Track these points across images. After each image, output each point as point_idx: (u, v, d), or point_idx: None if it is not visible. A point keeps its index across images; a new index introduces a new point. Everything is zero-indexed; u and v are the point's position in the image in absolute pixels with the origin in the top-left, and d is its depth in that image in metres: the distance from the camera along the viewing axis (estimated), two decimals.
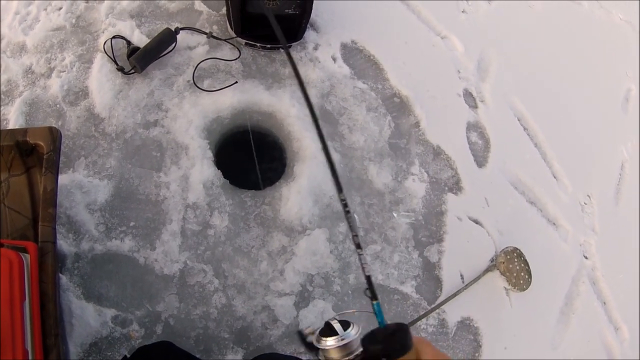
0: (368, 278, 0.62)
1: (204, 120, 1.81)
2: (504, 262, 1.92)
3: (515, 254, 1.93)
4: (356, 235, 0.69)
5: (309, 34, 2.10)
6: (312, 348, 0.62)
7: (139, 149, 1.75)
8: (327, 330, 0.58)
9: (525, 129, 2.28)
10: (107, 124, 1.77)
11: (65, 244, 1.60)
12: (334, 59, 2.10)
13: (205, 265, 1.65)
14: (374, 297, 0.59)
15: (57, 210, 1.61)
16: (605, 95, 2.51)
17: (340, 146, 1.93)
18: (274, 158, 1.87)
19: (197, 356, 1.35)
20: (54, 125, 1.56)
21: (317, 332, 0.62)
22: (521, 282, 1.90)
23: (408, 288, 1.80)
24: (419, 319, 1.75)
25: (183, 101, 1.83)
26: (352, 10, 2.22)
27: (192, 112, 1.81)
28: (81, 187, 1.66)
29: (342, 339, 0.56)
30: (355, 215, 1.84)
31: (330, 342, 0.56)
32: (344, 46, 2.15)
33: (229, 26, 2.00)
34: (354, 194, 1.86)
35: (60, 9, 1.97)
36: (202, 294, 1.62)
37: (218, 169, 1.79)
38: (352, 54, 2.16)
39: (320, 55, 2.08)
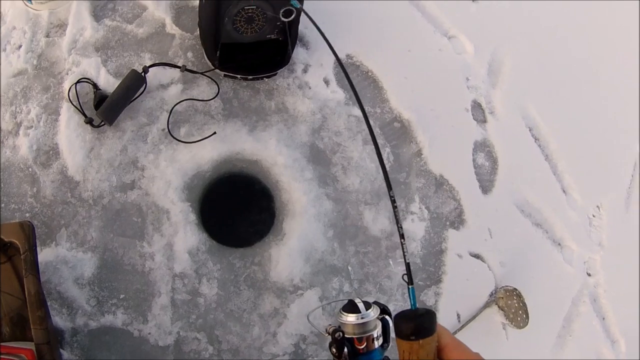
0: (407, 265, 0.62)
1: (183, 179, 1.47)
2: (503, 298, 1.65)
3: (515, 294, 1.64)
4: (401, 227, 0.71)
5: (298, 52, 1.62)
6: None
7: (119, 214, 1.46)
8: (350, 307, 0.58)
9: (536, 139, 1.82)
10: (82, 188, 1.45)
11: (60, 319, 1.41)
12: (327, 82, 1.63)
13: (198, 333, 1.44)
14: (410, 282, 0.60)
15: (47, 288, 1.41)
16: (622, 94, 1.93)
17: (334, 191, 1.57)
18: (262, 208, 1.56)
19: None
20: (25, 220, 1.29)
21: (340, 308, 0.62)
22: (519, 319, 1.64)
23: None
24: None
25: (159, 157, 1.47)
26: (347, 17, 1.68)
27: (169, 171, 1.46)
28: (66, 262, 1.41)
29: (362, 317, 0.56)
30: (350, 267, 1.56)
31: (350, 318, 0.56)
32: (337, 64, 1.67)
33: (205, 56, 1.55)
34: (348, 244, 1.56)
35: (20, 47, 1.54)
36: None
37: (203, 226, 1.50)
38: (347, 72, 1.67)
39: (311, 79, 1.62)
